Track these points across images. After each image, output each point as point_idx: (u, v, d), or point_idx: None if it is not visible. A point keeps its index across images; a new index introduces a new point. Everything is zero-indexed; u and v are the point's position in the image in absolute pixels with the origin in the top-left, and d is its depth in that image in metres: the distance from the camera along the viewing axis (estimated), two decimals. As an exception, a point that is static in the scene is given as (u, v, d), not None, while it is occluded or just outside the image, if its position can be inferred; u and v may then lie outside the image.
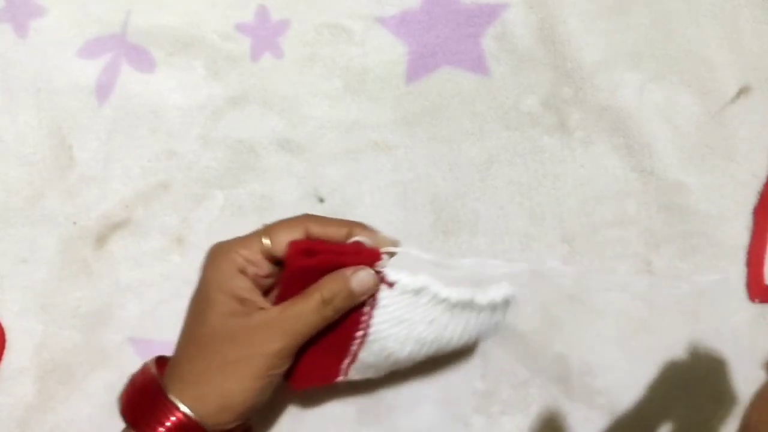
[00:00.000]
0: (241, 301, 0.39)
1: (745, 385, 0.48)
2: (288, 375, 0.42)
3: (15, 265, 0.51)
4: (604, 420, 0.48)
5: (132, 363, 0.49)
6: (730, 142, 0.50)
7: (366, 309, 0.40)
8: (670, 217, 0.50)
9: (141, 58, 0.53)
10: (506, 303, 0.42)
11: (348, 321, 0.41)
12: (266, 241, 0.40)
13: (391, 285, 0.40)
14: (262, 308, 0.39)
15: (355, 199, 0.51)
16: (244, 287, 0.39)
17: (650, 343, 0.49)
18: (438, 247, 0.50)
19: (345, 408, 0.49)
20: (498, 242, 0.50)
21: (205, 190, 0.51)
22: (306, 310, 0.39)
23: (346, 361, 0.42)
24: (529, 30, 0.52)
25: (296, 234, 0.40)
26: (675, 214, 0.50)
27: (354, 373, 0.43)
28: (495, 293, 0.41)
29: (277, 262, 0.41)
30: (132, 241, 0.51)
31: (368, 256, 0.40)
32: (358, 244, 0.40)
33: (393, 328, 0.40)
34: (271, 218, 0.51)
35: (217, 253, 0.40)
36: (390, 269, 0.40)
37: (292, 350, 0.39)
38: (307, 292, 0.39)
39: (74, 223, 0.51)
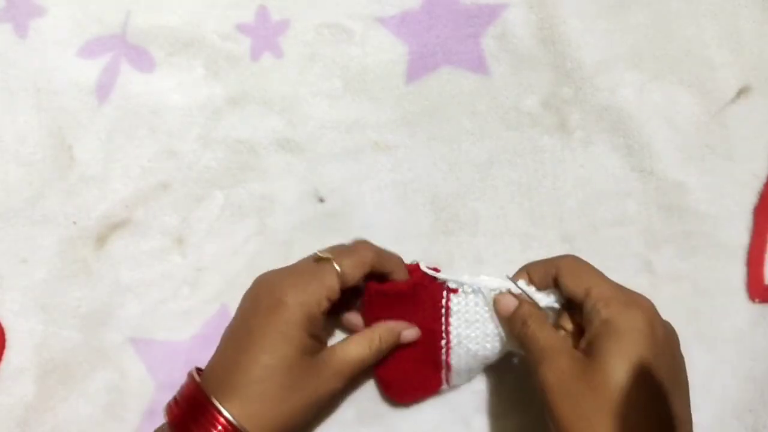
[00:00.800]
0: (314, 338, 0.42)
1: (745, 384, 0.48)
2: (387, 389, 0.47)
3: (15, 265, 0.51)
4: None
5: (132, 363, 0.50)
6: (730, 142, 0.50)
7: (442, 319, 0.45)
8: (670, 217, 0.50)
9: (141, 58, 0.53)
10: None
11: (428, 334, 0.45)
12: (341, 275, 0.42)
13: (455, 291, 0.45)
14: (323, 342, 0.43)
15: (355, 199, 0.51)
16: (321, 325, 0.42)
17: (650, 343, 0.49)
18: (438, 248, 0.50)
19: (345, 408, 0.49)
20: (498, 242, 0.50)
21: (205, 190, 0.51)
22: (367, 354, 0.43)
23: (443, 371, 0.46)
24: (529, 30, 0.52)
25: (365, 268, 0.43)
26: (675, 214, 0.50)
27: (455, 381, 0.47)
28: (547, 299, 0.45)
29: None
30: (132, 241, 0.51)
31: (428, 278, 0.45)
32: (416, 268, 0.46)
33: (467, 329, 0.45)
34: (271, 218, 0.51)
35: (300, 296, 0.41)
36: (451, 276, 0.45)
37: (346, 387, 0.44)
38: (366, 336, 0.44)
39: (74, 223, 0.51)
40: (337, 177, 0.51)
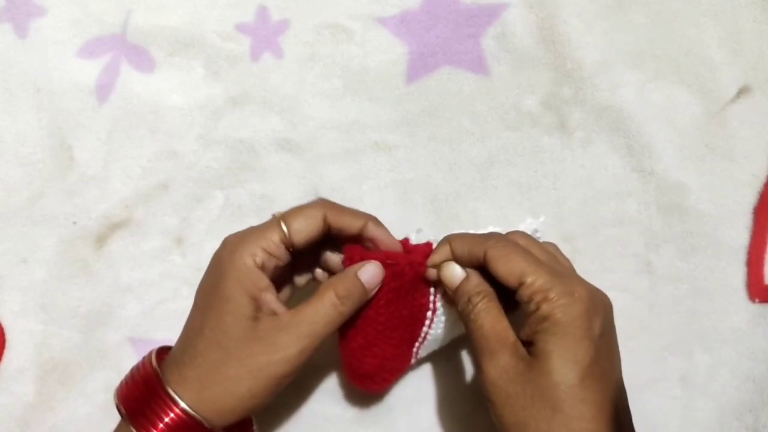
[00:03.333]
0: (258, 301, 0.38)
1: (745, 384, 0.48)
2: (365, 382, 0.45)
3: (15, 265, 0.51)
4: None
5: (131, 363, 0.49)
6: (730, 142, 0.50)
7: (431, 291, 0.42)
8: (670, 217, 0.50)
9: (141, 58, 0.53)
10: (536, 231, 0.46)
11: (417, 309, 0.43)
12: (285, 229, 0.39)
13: None
14: (276, 310, 0.39)
15: (355, 199, 0.51)
16: (262, 286, 0.39)
17: (650, 343, 0.49)
18: (438, 247, 0.50)
19: (344, 408, 0.49)
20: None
21: (205, 190, 0.51)
22: (322, 312, 0.39)
23: (417, 344, 0.44)
24: (529, 30, 0.52)
25: (314, 222, 0.40)
26: (675, 214, 0.50)
27: (422, 352, 0.45)
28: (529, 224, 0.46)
29: (293, 249, 0.40)
30: (132, 241, 0.51)
31: (423, 251, 0.42)
32: (406, 243, 0.43)
33: None
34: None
35: (236, 248, 0.39)
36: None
37: (309, 354, 0.39)
38: (321, 292, 0.39)
39: (74, 223, 0.51)
40: (337, 177, 0.51)
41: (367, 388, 0.45)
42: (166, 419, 0.37)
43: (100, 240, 0.51)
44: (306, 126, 0.52)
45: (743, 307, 0.49)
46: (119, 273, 0.51)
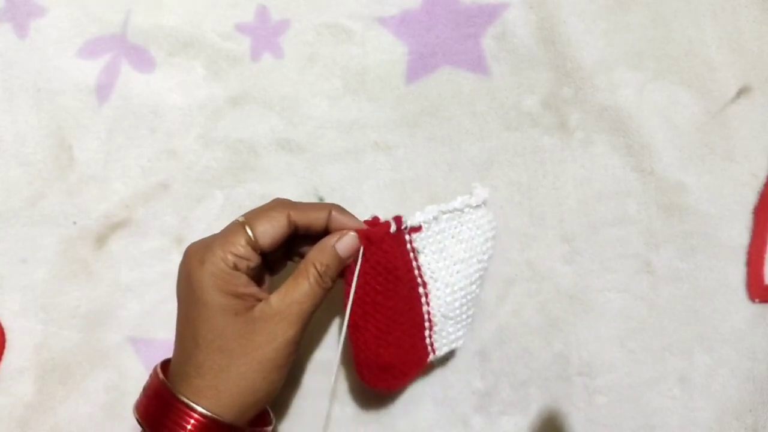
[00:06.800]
0: (241, 297, 0.39)
1: (745, 384, 0.48)
2: (380, 376, 0.44)
3: (15, 265, 0.51)
4: (604, 419, 0.48)
5: (132, 363, 0.50)
6: (730, 142, 0.50)
7: (413, 263, 0.43)
8: (670, 217, 0.50)
9: (141, 58, 0.53)
10: (486, 200, 0.46)
11: (409, 287, 0.43)
12: (250, 233, 0.40)
13: (418, 229, 0.44)
14: (260, 299, 0.40)
15: (355, 199, 0.51)
16: (241, 283, 0.39)
17: (650, 343, 0.49)
18: (438, 247, 0.50)
19: (343, 407, 0.49)
20: (498, 242, 0.50)
21: (205, 190, 0.51)
22: (306, 289, 0.40)
23: (427, 333, 0.45)
24: (529, 30, 0.52)
25: (278, 223, 0.41)
26: (675, 214, 0.50)
27: (439, 343, 0.45)
28: (479, 192, 0.46)
29: (261, 251, 0.41)
30: (132, 241, 0.51)
31: (394, 222, 0.43)
32: (376, 220, 0.44)
33: (439, 261, 0.44)
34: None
35: (204, 256, 0.40)
36: (410, 217, 0.44)
37: (304, 332, 0.40)
38: (302, 269, 0.41)
39: (74, 223, 0.51)
40: (337, 177, 0.51)
41: (384, 384, 0.45)
42: (188, 426, 0.38)
43: (100, 240, 0.51)
44: (306, 126, 0.52)
45: (743, 307, 0.49)
46: (119, 273, 0.51)
